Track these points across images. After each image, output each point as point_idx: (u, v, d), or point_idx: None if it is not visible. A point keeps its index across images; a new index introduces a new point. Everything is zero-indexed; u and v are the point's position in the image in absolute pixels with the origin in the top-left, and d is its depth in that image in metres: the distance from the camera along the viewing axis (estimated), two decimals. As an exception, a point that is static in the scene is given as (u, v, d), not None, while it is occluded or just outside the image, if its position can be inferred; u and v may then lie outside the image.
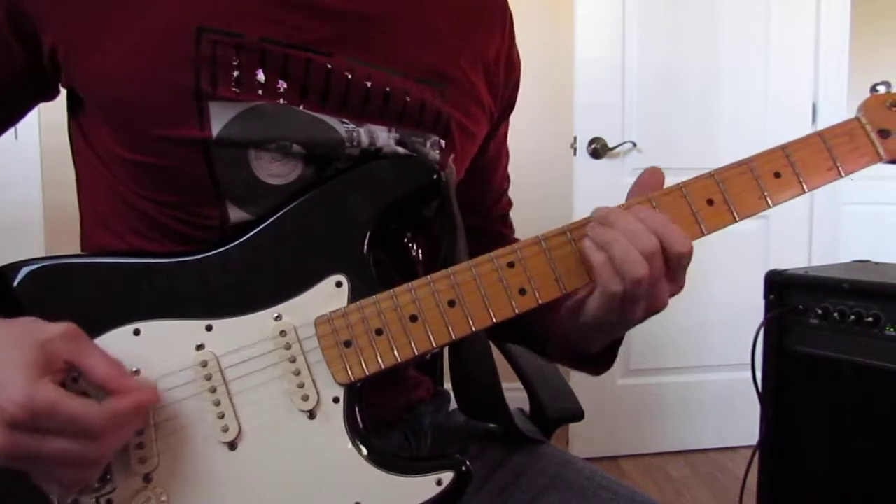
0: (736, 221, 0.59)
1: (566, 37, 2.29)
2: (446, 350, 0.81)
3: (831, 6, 2.30)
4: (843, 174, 0.61)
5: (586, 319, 0.60)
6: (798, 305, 1.38)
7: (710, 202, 0.59)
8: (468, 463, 0.57)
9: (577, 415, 0.95)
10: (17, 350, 0.47)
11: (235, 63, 0.59)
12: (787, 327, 1.39)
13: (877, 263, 1.57)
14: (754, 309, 1.47)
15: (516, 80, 0.79)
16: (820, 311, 1.34)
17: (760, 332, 1.41)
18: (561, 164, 2.37)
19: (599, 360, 0.70)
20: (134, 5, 0.58)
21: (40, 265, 0.58)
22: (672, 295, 0.58)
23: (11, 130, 0.70)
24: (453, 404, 0.86)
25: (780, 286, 1.40)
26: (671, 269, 0.56)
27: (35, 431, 0.46)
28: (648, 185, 0.61)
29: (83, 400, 0.48)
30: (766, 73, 2.30)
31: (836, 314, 1.32)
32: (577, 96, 2.21)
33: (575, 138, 2.22)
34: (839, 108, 2.33)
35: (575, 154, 2.23)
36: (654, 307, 0.58)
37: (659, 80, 2.25)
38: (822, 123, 2.32)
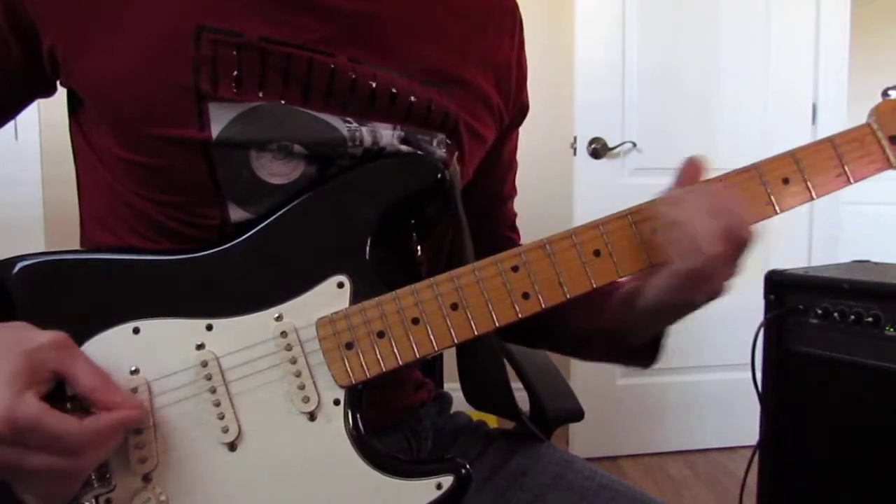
0: None
1: (566, 37, 2.28)
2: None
3: (831, 6, 2.30)
4: (852, 181, 0.60)
5: (647, 304, 0.59)
6: (798, 305, 1.37)
7: None
8: (468, 466, 0.57)
9: (577, 415, 0.94)
10: (2, 360, 0.47)
11: (236, 63, 0.58)
12: (787, 327, 1.39)
13: (876, 263, 1.57)
14: (754, 309, 1.47)
15: (524, 84, 0.79)
16: (820, 311, 1.34)
17: (760, 332, 1.41)
18: (561, 164, 2.36)
19: (643, 353, 0.70)
20: (133, 4, 0.58)
21: (37, 260, 0.57)
22: (728, 279, 0.57)
23: (11, 129, 0.69)
24: (454, 406, 0.86)
25: (779, 286, 1.40)
26: (734, 254, 0.56)
27: (16, 445, 0.46)
28: (689, 176, 0.59)
29: (65, 416, 0.47)
30: (765, 74, 2.30)
31: (835, 314, 1.31)
32: (577, 96, 2.21)
33: (575, 138, 2.22)
34: (839, 109, 2.33)
35: (575, 154, 2.23)
36: (715, 292, 0.57)
37: (659, 80, 2.24)
38: (822, 124, 2.32)
